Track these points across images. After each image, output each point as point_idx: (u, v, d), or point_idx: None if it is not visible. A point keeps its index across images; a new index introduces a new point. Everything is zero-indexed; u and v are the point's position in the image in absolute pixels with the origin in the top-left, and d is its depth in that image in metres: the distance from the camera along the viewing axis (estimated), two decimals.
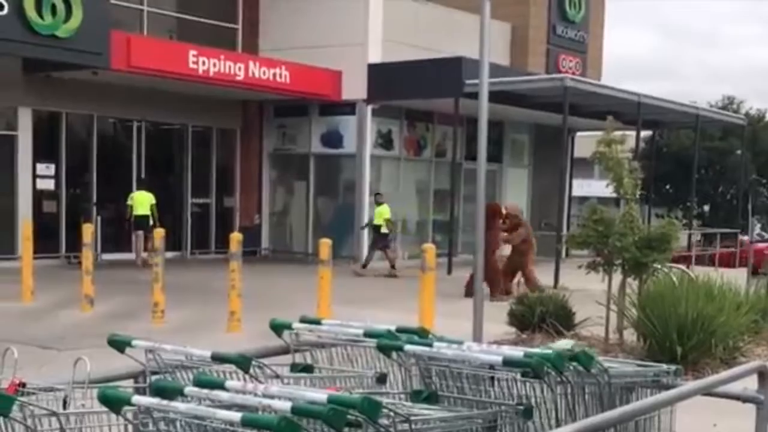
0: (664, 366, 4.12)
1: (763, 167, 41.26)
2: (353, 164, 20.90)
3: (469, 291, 14.26)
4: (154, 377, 3.43)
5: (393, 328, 3.94)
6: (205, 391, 2.73)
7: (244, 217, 22.80)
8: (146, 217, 19.60)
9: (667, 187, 39.14)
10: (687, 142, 34.70)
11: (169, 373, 3.49)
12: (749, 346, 10.01)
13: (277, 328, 4.00)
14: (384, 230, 18.96)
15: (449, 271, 18.28)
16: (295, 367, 3.78)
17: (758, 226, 45.54)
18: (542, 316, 10.43)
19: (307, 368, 3.76)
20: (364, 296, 14.00)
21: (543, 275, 16.05)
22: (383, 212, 19.08)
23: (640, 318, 9.53)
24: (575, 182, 28.04)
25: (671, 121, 25.84)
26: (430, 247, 10.51)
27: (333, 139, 21.38)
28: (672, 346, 8.95)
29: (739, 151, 31.04)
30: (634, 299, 9.92)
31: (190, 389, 2.76)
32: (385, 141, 21.38)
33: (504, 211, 15.36)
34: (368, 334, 3.80)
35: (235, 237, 11.33)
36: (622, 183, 10.39)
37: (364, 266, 18.71)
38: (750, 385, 4.23)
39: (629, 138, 11.63)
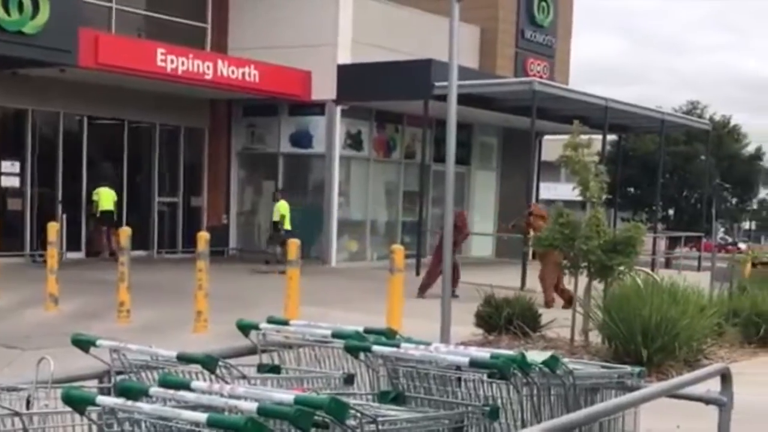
0: (629, 368, 4.13)
1: (727, 172, 41.68)
2: (322, 164, 20.71)
3: (423, 289, 14.20)
4: (118, 377, 3.40)
5: (361, 329, 3.93)
6: (171, 391, 2.71)
7: (211, 217, 22.64)
8: (111, 212, 19.66)
9: (633, 190, 39.42)
10: (652, 146, 34.95)
11: (134, 373, 3.47)
12: (712, 348, 10.07)
13: (244, 328, 3.96)
14: (282, 226, 18.96)
15: (417, 272, 18.21)
16: (262, 368, 3.76)
17: (721, 230, 45.93)
18: (509, 317, 10.44)
19: (275, 369, 3.73)
20: (332, 297, 13.84)
21: (510, 277, 16.05)
22: (281, 208, 19.15)
23: (606, 320, 9.59)
24: (542, 185, 28.06)
25: (637, 126, 25.96)
26: (398, 249, 10.57)
27: (302, 139, 21.28)
28: (636, 348, 8.99)
29: (703, 157, 31.28)
30: (600, 302, 9.99)
31: (155, 390, 2.74)
32: (354, 142, 21.28)
33: (532, 209, 15.35)
34: (336, 335, 3.78)
35: (203, 236, 11.24)
36: (588, 186, 10.45)
37: (267, 262, 18.47)
38: (713, 387, 4.24)
39: (596, 142, 11.69)
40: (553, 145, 18.36)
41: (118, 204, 20.10)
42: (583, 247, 10.18)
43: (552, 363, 3.49)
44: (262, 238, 21.91)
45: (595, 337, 10.08)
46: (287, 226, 18.87)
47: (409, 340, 3.78)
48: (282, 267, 13.47)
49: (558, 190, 37.73)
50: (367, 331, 3.95)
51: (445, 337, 8.54)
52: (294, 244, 11.17)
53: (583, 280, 10.50)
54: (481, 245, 23.07)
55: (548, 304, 13.72)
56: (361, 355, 3.59)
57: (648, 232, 13.65)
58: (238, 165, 22.72)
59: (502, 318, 10.44)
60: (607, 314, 9.66)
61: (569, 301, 13.39)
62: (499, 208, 24.37)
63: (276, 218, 19.19)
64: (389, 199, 22.13)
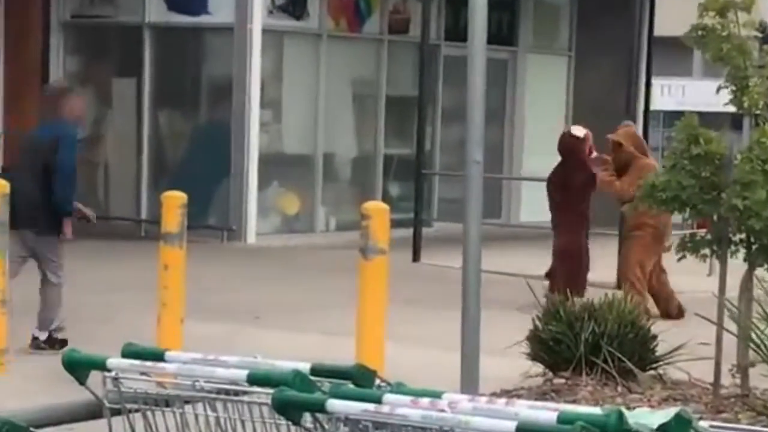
0: None
1: None
2: (229, 47, 14.31)
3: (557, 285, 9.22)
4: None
5: (306, 366, 2.99)
6: None
7: (9, 148, 16.76)
8: None
9: None
10: None
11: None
12: None
13: (78, 367, 3.13)
14: None
15: (416, 256, 12.71)
16: None
17: None
18: (595, 342, 7.03)
19: None
20: (250, 302, 9.74)
21: (597, 263, 11.09)
22: None
23: None
24: (657, 83, 21.00)
25: None
26: (378, 209, 7.19)
27: None
28: None
29: None
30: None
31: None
32: (290, 3, 15.41)
33: (614, 141, 10.15)
34: (257, 380, 2.95)
35: None
36: (748, 88, 7.14)
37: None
38: None
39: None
40: (677, 9, 13.48)
41: None
42: (739, 204, 6.80)
43: (679, 430, 2.65)
44: (113, 193, 15.45)
45: (760, 378, 6.98)
46: None
47: (399, 389, 2.87)
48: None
49: (688, 95, 27.62)
50: (319, 370, 2.99)
51: (470, 382, 6.03)
52: (174, 202, 7.38)
53: (735, 267, 7.12)
54: (539, 201, 16.82)
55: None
56: (307, 419, 2.78)
57: None
58: (64, 48, 15.25)
59: (581, 343, 7.06)
60: None
61: (678, 311, 9.74)
62: (573, 121, 17.99)
63: None
64: (360, 113, 15.95)
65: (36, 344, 7.22)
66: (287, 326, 8.94)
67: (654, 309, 9.71)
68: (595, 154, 9.87)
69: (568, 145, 9.76)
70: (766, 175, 6.71)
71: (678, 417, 2.60)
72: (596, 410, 2.59)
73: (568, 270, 9.42)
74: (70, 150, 7.49)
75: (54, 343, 7.15)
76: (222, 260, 12.32)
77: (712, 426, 2.80)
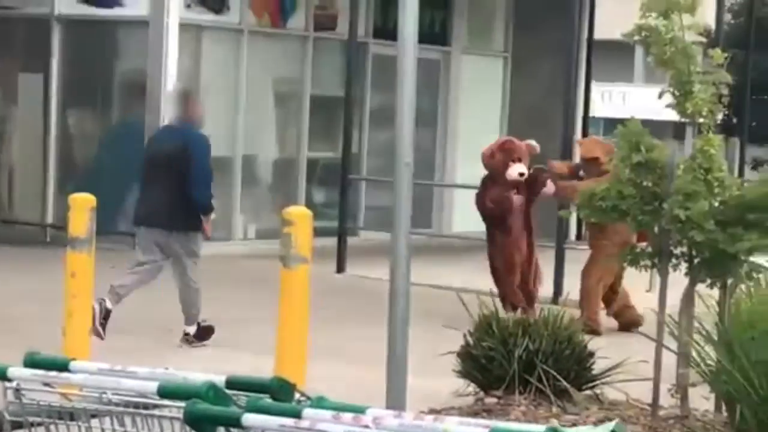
0: None
1: None
2: (144, 41, 13.82)
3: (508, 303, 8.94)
4: None
5: (220, 378, 2.94)
6: None
7: None
8: None
9: None
10: None
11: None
12: None
13: None
14: None
15: (341, 267, 12.38)
16: None
17: None
18: (528, 359, 6.75)
19: None
20: (161, 312, 9.23)
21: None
22: None
23: (722, 365, 6.44)
24: (597, 89, 20.44)
25: None
26: (300, 215, 6.69)
27: None
28: None
29: None
30: (712, 327, 6.71)
31: None
32: None
33: (589, 158, 9.50)
34: (167, 392, 2.86)
35: None
36: (691, 94, 6.90)
37: None
38: None
39: (702, 1, 7.35)
40: (616, 13, 13.22)
41: None
42: (680, 215, 6.56)
43: None
44: (18, 196, 14.90)
45: (701, 400, 6.79)
46: None
47: (320, 404, 2.83)
48: None
49: (630, 100, 26.52)
50: (235, 383, 2.94)
51: (396, 399, 5.73)
52: (82, 205, 7.02)
53: (676, 281, 6.91)
54: (472, 211, 16.62)
55: (592, 326, 9.06)
56: None
57: None
58: None
59: (514, 361, 6.74)
60: (725, 352, 6.41)
61: (634, 324, 9.26)
62: (509, 130, 16.63)
63: None
64: (282, 113, 15.54)
65: (186, 339, 7.79)
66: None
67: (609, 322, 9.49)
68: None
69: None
70: (708, 186, 6.52)
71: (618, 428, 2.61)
72: (531, 427, 2.55)
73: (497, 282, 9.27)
74: (203, 151, 8.09)
75: (204, 334, 7.77)
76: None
77: None
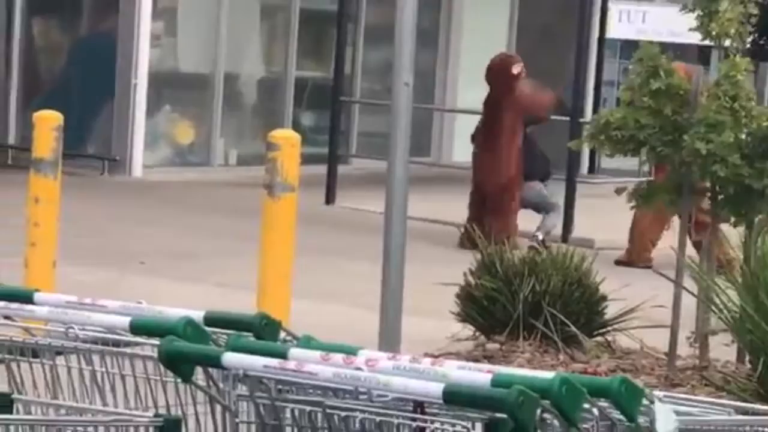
0: None
1: None
2: None
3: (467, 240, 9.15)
4: None
5: (199, 314, 2.86)
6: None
7: None
8: None
9: None
10: None
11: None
12: None
13: None
14: None
15: (330, 197, 12.12)
16: None
17: None
18: (534, 302, 6.58)
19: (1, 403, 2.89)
20: (136, 245, 9.37)
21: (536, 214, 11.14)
22: None
23: (746, 312, 6.24)
24: (614, 7, 19.06)
25: None
26: (287, 138, 6.41)
27: None
28: None
29: None
30: (735, 270, 6.70)
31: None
32: None
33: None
34: (140, 328, 2.81)
35: None
36: (717, 13, 6.65)
37: None
38: None
39: None
40: None
41: None
42: (702, 147, 6.25)
43: (628, 401, 2.41)
44: None
45: (722, 349, 6.62)
46: None
47: (308, 344, 2.71)
48: None
49: (649, 21, 28.30)
50: (215, 320, 2.87)
51: (391, 341, 5.43)
52: (46, 124, 6.83)
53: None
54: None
55: (633, 259, 9.35)
56: (198, 374, 2.65)
57: None
58: None
59: (518, 303, 6.57)
60: (749, 297, 6.20)
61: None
62: (518, 52, 17.10)
63: None
64: (269, 28, 14.92)
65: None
66: (177, 275, 8.31)
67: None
68: None
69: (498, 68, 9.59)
70: (735, 115, 6.25)
71: (625, 383, 2.41)
72: (538, 374, 2.47)
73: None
74: None
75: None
76: (102, 196, 11.69)
77: (668, 398, 2.67)
